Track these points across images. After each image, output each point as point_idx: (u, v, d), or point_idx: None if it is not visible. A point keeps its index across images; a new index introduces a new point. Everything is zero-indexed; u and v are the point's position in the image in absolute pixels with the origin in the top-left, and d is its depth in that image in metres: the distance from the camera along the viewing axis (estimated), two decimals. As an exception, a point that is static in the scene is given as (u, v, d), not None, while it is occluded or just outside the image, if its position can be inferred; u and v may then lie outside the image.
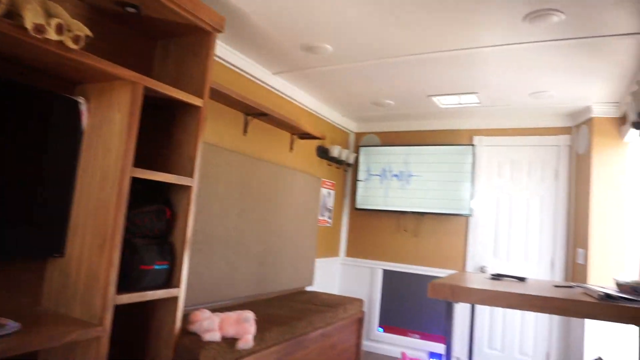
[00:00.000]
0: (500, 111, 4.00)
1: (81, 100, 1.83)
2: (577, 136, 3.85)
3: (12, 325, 1.51)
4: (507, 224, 4.14)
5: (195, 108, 2.14)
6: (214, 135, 2.98)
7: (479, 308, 4.15)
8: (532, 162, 4.09)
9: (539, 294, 2.02)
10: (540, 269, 3.95)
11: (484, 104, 3.81)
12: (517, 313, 4.00)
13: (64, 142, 1.78)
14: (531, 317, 3.94)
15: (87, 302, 1.73)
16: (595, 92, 3.27)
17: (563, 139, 3.98)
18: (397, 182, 4.47)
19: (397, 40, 2.66)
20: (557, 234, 3.90)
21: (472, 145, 4.21)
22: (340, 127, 4.73)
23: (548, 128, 4.06)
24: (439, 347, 4.24)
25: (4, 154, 1.57)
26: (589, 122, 3.64)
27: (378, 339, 4.55)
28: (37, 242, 1.71)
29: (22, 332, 1.48)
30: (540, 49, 2.60)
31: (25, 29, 1.36)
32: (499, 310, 4.07)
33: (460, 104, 3.86)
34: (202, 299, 2.71)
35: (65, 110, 1.77)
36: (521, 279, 2.64)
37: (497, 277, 2.70)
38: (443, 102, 3.86)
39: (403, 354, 3.88)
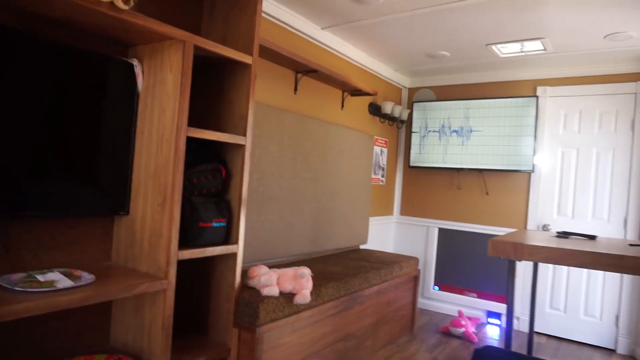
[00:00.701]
0: (568, 58, 3.67)
1: (135, 62, 1.85)
2: (659, 81, 3.47)
3: (87, 277, 1.62)
4: (573, 179, 3.88)
5: (245, 66, 2.12)
6: (265, 94, 2.96)
7: (541, 267, 3.99)
8: (605, 113, 3.76)
9: (613, 252, 1.88)
10: (611, 228, 3.70)
11: (550, 51, 3.51)
12: (583, 273, 3.80)
13: (121, 104, 1.82)
14: (598, 277, 3.74)
15: (152, 258, 1.82)
16: (684, 29, 2.90)
17: (641, 86, 3.60)
18: (456, 138, 4.29)
19: (455, -17, 2.46)
20: (632, 191, 3.61)
21: (536, 96, 3.93)
22: (392, 82, 4.57)
23: (624, 74, 3.69)
24: (497, 306, 4.15)
25: (66, 118, 1.63)
26: (674, 64, 3.26)
27: (434, 297, 4.53)
28: (104, 201, 1.79)
29: (96, 283, 1.59)
30: (620, -19, 2.31)
31: (78, -10, 1.37)
32: (562, 270, 3.90)
33: (523, 52, 3.57)
34: (259, 255, 2.78)
35: (121, 73, 1.81)
36: (591, 237, 2.47)
37: (563, 235, 2.55)
38: (503, 50, 3.59)
39: (460, 312, 3.84)
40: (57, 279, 1.55)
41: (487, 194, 4.25)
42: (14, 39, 1.46)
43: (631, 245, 2.26)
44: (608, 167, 3.73)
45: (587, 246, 2.08)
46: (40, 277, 1.55)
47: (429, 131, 4.44)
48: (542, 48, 3.45)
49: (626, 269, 1.83)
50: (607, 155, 3.74)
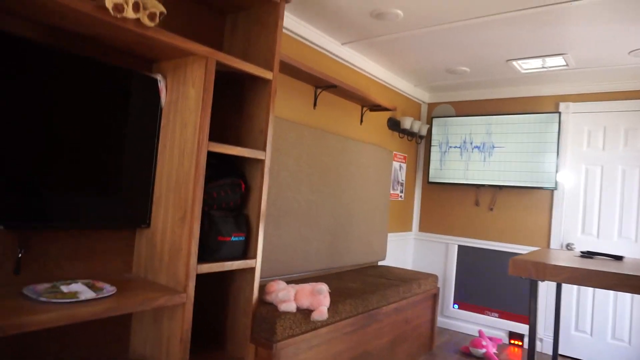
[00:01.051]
0: (591, 74, 3.61)
1: (159, 77, 1.90)
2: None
3: (108, 288, 1.64)
4: (598, 197, 3.78)
5: (266, 81, 2.15)
6: (284, 109, 2.99)
7: (566, 287, 3.88)
8: (631, 129, 3.68)
9: (641, 273, 1.81)
10: (639, 248, 3.59)
11: (572, 67, 3.46)
12: (610, 295, 3.68)
13: (145, 119, 1.86)
14: (626, 299, 3.61)
15: (172, 271, 1.83)
16: None
17: (668, 102, 3.52)
18: (477, 154, 4.24)
19: (472, 1, 2.46)
20: (659, 209, 3.50)
21: (558, 112, 3.87)
22: (412, 97, 4.56)
23: (650, 90, 3.61)
24: (519, 327, 4.04)
25: (91, 131, 1.68)
26: (703, 80, 3.18)
27: (453, 316, 4.43)
28: (126, 214, 1.82)
29: (117, 295, 1.60)
30: (645, -3, 2.28)
31: (106, 9, 1.42)
32: (588, 291, 3.78)
33: (545, 67, 3.53)
34: (276, 270, 2.78)
35: (145, 88, 1.85)
36: (617, 258, 2.40)
37: (587, 254, 2.48)
38: (525, 66, 3.56)
39: (480, 332, 3.75)
40: (80, 290, 1.58)
41: (497, 210, 4.18)
42: (43, 56, 1.51)
43: (660, 266, 2.18)
44: (635, 184, 3.63)
45: (612, 267, 2.01)
46: (64, 288, 1.58)
47: (450, 147, 4.40)
48: (564, 64, 3.40)
49: (656, 291, 1.76)
50: (634, 172, 3.64)
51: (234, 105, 2.28)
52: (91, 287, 1.64)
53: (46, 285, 1.58)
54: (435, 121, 4.51)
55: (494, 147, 4.14)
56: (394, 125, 4.26)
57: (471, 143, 4.28)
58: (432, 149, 4.50)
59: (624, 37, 2.83)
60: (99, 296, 1.54)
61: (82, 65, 1.62)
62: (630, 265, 2.16)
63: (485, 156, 4.18)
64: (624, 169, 3.68)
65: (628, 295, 3.61)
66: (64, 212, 1.61)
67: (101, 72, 1.69)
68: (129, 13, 1.42)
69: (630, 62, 3.27)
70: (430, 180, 4.49)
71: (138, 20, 1.50)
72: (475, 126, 4.28)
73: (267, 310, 2.14)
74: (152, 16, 1.51)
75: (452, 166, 4.37)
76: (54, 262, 1.71)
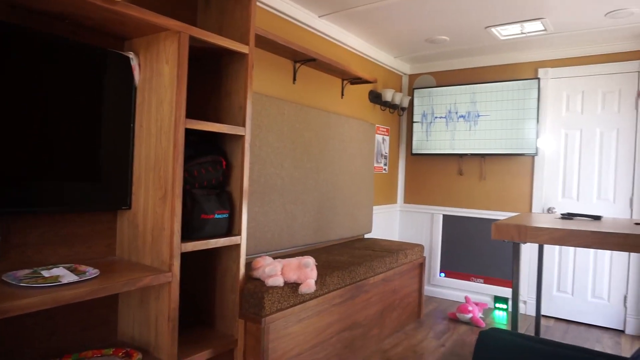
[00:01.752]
0: (569, 38, 3.62)
1: (131, 55, 1.84)
2: (662, 59, 3.42)
3: (91, 271, 1.63)
4: (577, 161, 3.85)
5: (242, 55, 2.10)
6: (264, 85, 2.95)
7: (547, 250, 3.98)
8: (608, 92, 3.72)
9: (618, 231, 1.86)
10: (617, 209, 3.68)
11: (550, 31, 3.46)
12: (590, 254, 3.79)
13: (119, 98, 1.82)
14: (606, 258, 3.72)
15: (156, 251, 1.82)
16: (687, 4, 2.84)
17: (645, 64, 3.55)
18: (463, 124, 4.26)
19: (451, -35, 2.43)
20: (636, 170, 3.58)
21: (537, 78, 3.88)
22: (392, 69, 4.53)
23: (626, 52, 3.64)
24: (504, 291, 4.15)
25: (63, 113, 1.63)
26: (677, 41, 3.21)
27: (440, 284, 4.53)
28: (105, 196, 1.79)
29: (101, 277, 1.59)
30: (619, -44, 2.27)
31: (68, -17, 1.36)
32: (569, 252, 3.88)
33: (523, 33, 3.53)
34: (263, 247, 2.78)
35: (117, 66, 1.80)
36: (596, 218, 2.46)
37: (568, 216, 2.53)
38: (503, 33, 3.55)
39: (467, 298, 3.84)
40: (62, 274, 1.56)
41: (483, 178, 4.23)
42: (7, 34, 1.45)
43: (637, 224, 2.24)
44: (612, 147, 3.70)
45: (592, 226, 2.06)
46: (46, 273, 1.56)
47: (435, 117, 4.40)
48: (543, 28, 3.40)
49: (632, 247, 1.81)
50: (611, 135, 3.70)
51: (212, 82, 2.24)
52: (73, 270, 1.63)
53: (27, 271, 1.56)
54: (416, 92, 4.50)
55: (478, 115, 4.16)
56: (375, 98, 4.24)
57: (456, 113, 4.28)
58: (415, 120, 4.50)
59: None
60: (82, 279, 1.52)
61: (51, 44, 1.56)
62: (608, 224, 2.21)
63: (470, 125, 4.19)
64: (602, 132, 3.74)
65: (607, 254, 3.71)
66: (41, 197, 1.58)
67: (71, 52, 1.63)
68: (93, -14, 1.37)
69: (607, 25, 3.28)
70: (414, 152, 4.51)
71: (103, -6, 1.45)
72: (456, 96, 4.28)
73: (254, 285, 2.15)
74: (118, -11, 1.45)
75: (437, 137, 4.39)
76: (35, 248, 1.68)
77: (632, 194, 3.60)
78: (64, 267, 1.66)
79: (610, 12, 3.02)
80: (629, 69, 3.61)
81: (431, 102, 4.41)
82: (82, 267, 1.67)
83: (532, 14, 3.11)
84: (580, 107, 3.84)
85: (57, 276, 1.53)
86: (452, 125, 4.28)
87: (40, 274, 1.54)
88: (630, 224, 2.24)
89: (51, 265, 1.69)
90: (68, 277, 1.53)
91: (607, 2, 2.87)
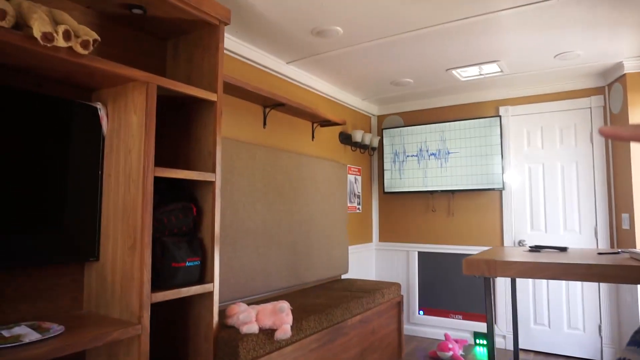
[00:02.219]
0: (524, 78, 3.84)
1: (99, 105, 1.85)
2: (611, 95, 3.66)
3: (56, 328, 1.56)
4: (542, 194, 3.99)
5: (210, 103, 2.14)
6: (234, 130, 2.99)
7: (521, 283, 4.03)
8: (564, 128, 3.92)
9: (582, 262, 1.92)
10: (583, 239, 3.80)
11: (506, 72, 3.67)
12: (562, 287, 3.86)
13: (87, 148, 1.81)
14: (577, 289, 3.80)
15: (125, 302, 1.77)
16: (627, 46, 3.08)
17: (595, 100, 3.79)
18: (434, 161, 4.38)
19: (408, 14, 2.58)
20: (598, 201, 3.73)
21: (499, 116, 4.07)
22: (361, 111, 4.67)
23: (578, 90, 3.88)
24: (483, 326, 4.15)
25: (30, 165, 1.61)
26: (622, 79, 3.45)
27: (419, 322, 4.49)
28: (71, 248, 1.75)
29: (66, 334, 1.53)
30: (561, 4, 2.47)
31: (35, 39, 1.38)
32: (542, 284, 3.94)
33: (482, 74, 3.73)
34: (237, 293, 2.73)
35: (85, 117, 1.80)
36: (562, 249, 2.53)
37: (536, 249, 2.60)
38: (463, 74, 3.74)
39: (446, 336, 3.82)
40: (24, 332, 1.49)
41: (452, 215, 4.32)
42: (-29, 90, 1.45)
43: (600, 253, 2.32)
44: (573, 179, 3.86)
45: (558, 258, 2.12)
46: (6, 333, 1.48)
47: (407, 156, 4.52)
48: (499, 70, 3.61)
49: (596, 277, 1.87)
50: (571, 168, 3.87)
51: (182, 129, 2.26)
52: (36, 328, 1.56)
53: (-15, 331, 1.49)
54: (385, 132, 4.63)
55: (449, 153, 4.29)
56: (345, 139, 4.34)
57: (427, 150, 4.41)
58: (385, 159, 4.61)
59: (548, 44, 3.04)
60: (45, 337, 1.46)
61: (13, 97, 1.56)
62: (574, 255, 2.28)
63: (442, 162, 4.32)
64: (563, 165, 3.91)
65: (578, 284, 3.79)
66: (1, 251, 1.52)
67: (36, 104, 1.63)
68: (60, 42, 1.39)
69: (557, 65, 3.51)
70: (386, 190, 4.58)
71: (71, 48, 1.47)
72: (425, 134, 4.43)
73: (228, 333, 2.09)
74: (85, 44, 1.48)
75: (409, 175, 4.48)
76: (-6, 305, 1.61)
77: (596, 224, 3.73)
78: (26, 325, 1.59)
79: (559, 54, 3.24)
80: (582, 106, 3.84)
81: (402, 141, 4.54)
82: (46, 324, 1.60)
83: (488, 57, 3.31)
84: (540, 142, 4.02)
85: (19, 335, 1.46)
86: (424, 162, 4.40)
87: (0, 334, 1.47)
88: (593, 254, 2.32)
89: (12, 324, 1.62)
90: (30, 335, 1.46)
91: (554, 46, 3.09)
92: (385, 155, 4.62)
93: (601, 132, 0.79)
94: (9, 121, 1.55)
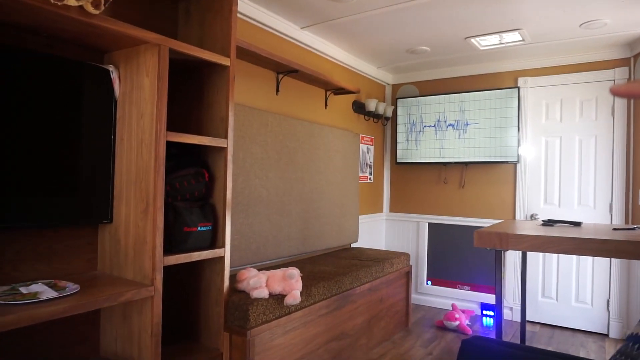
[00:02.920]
0: (546, 48, 3.70)
1: (111, 68, 1.83)
2: (636, 67, 3.52)
3: (71, 287, 1.60)
4: (558, 168, 3.92)
5: (223, 67, 2.11)
6: (247, 96, 2.96)
7: (531, 257, 4.03)
8: (585, 100, 3.81)
9: (596, 237, 1.90)
10: (597, 214, 3.75)
11: (527, 42, 3.54)
12: (573, 260, 3.84)
13: (99, 112, 1.80)
14: (588, 263, 3.78)
15: (138, 265, 1.80)
16: (657, 14, 2.94)
17: (620, 72, 3.65)
18: (451, 132, 4.31)
19: (430, -23, 2.48)
20: (615, 176, 3.65)
21: (517, 87, 3.96)
22: (375, 79, 4.58)
23: (602, 61, 3.74)
24: (490, 298, 4.17)
25: (42, 128, 1.61)
26: (650, 50, 3.31)
27: (427, 292, 4.54)
28: (86, 210, 1.77)
29: (81, 293, 1.57)
30: (591, -31, 2.34)
31: (46, -3, 1.35)
32: (553, 258, 3.93)
33: (502, 43, 3.60)
34: (248, 259, 2.77)
35: (97, 79, 1.79)
36: (576, 224, 2.50)
37: (549, 223, 2.57)
38: (483, 43, 3.62)
39: (453, 306, 3.86)
40: (41, 290, 1.53)
41: (463, 187, 4.28)
42: (-17, 49, 1.44)
43: (615, 229, 2.28)
44: (591, 154, 3.77)
45: (571, 232, 2.10)
46: (24, 290, 1.53)
47: (424, 126, 4.45)
48: (521, 39, 3.48)
49: (609, 252, 1.85)
50: (590, 142, 3.78)
51: (194, 94, 2.24)
52: (53, 286, 1.60)
53: (4, 288, 1.53)
54: (400, 102, 4.55)
55: (467, 124, 4.21)
56: (359, 108, 4.27)
57: (445, 121, 4.33)
58: (399, 129, 4.55)
59: (574, 11, 2.91)
60: (62, 295, 1.49)
61: (26, 59, 1.55)
62: (588, 230, 2.25)
63: (460, 133, 4.24)
64: (581, 139, 3.82)
65: (589, 259, 3.77)
66: (18, 213, 1.55)
67: (48, 66, 1.62)
68: (70, 0, 1.36)
69: (582, 35, 3.37)
70: (398, 160, 4.54)
71: (81, 7, 1.44)
72: (433, 105, 4.34)
73: (239, 298, 2.13)
74: (96, 3, 1.45)
75: (424, 145, 4.43)
76: (12, 264, 1.65)
77: (611, 200, 3.67)
78: (43, 283, 1.63)
79: (585, 22, 3.11)
80: (605, 77, 3.71)
81: (419, 111, 4.46)
82: (62, 283, 1.64)
83: (509, 25, 3.18)
84: (559, 115, 3.92)
85: (36, 292, 1.50)
86: (441, 133, 4.33)
87: (19, 290, 1.51)
88: (608, 229, 2.29)
89: (30, 281, 1.66)
90: (47, 293, 1.50)
91: (581, 13, 2.96)
92: (398, 125, 4.55)
93: (613, 92, 0.73)
94: (22, 83, 1.54)
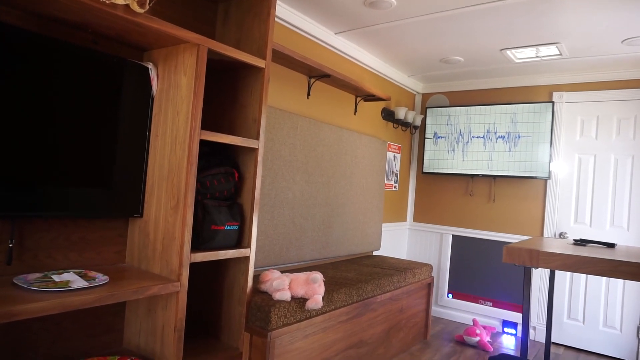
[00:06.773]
0: (584, 63, 3.61)
1: (150, 65, 1.87)
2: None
3: (101, 278, 1.63)
4: (590, 187, 3.80)
5: (258, 69, 2.13)
6: (278, 99, 2.98)
7: (558, 276, 3.91)
8: (623, 119, 3.69)
9: (632, 260, 1.83)
10: (630, 236, 3.62)
11: (565, 56, 3.46)
12: (602, 282, 3.72)
13: (136, 107, 1.84)
14: (618, 287, 3.65)
15: (165, 260, 1.83)
16: None
17: (661, 91, 3.53)
18: (477, 144, 4.25)
19: (469, -13, 2.45)
20: (650, 197, 3.52)
21: (552, 102, 3.87)
22: (405, 87, 4.55)
23: (643, 79, 3.62)
24: (512, 315, 4.07)
25: (81, 120, 1.66)
26: (695, 69, 3.19)
27: (447, 305, 4.47)
28: (118, 203, 1.81)
29: (110, 284, 1.60)
30: (638, -16, 2.28)
31: (95, -6, 1.39)
32: (581, 279, 3.81)
33: (538, 57, 3.53)
34: (271, 260, 2.78)
35: (136, 76, 1.83)
36: (610, 245, 2.42)
37: (581, 242, 2.50)
38: (518, 55, 3.55)
39: (475, 321, 3.78)
40: (72, 279, 1.57)
41: (494, 201, 4.19)
42: (31, 44, 1.49)
43: (652, 252, 2.20)
44: (627, 173, 3.65)
45: (605, 254, 2.03)
46: (56, 277, 1.57)
47: (454, 137, 4.40)
48: (558, 53, 3.40)
49: (647, 276, 1.78)
50: (626, 162, 3.66)
51: (228, 95, 2.26)
52: (83, 276, 1.63)
53: (37, 275, 1.57)
54: (429, 111, 4.51)
55: (498, 137, 4.15)
56: (388, 115, 4.25)
57: (468, 132, 4.28)
58: (427, 139, 4.50)
59: (617, 26, 2.83)
60: (91, 285, 1.53)
61: (71, 53, 1.60)
62: (622, 252, 2.18)
63: (488, 146, 4.18)
64: (617, 158, 3.70)
65: (620, 282, 3.64)
66: (54, 202, 1.60)
67: (91, 61, 1.66)
68: (118, -1, 1.40)
69: (624, 51, 3.27)
70: (425, 170, 4.50)
71: (127, 6, 1.48)
72: (463, 116, 4.28)
73: (261, 299, 2.14)
74: (141, 2, 1.49)
75: (451, 156, 4.37)
76: (46, 252, 1.70)
77: (647, 222, 3.54)
78: (74, 272, 1.67)
79: (627, 39, 3.02)
80: (645, 96, 3.59)
81: (447, 121, 4.41)
82: (92, 273, 1.68)
83: (547, 38, 3.12)
84: (594, 132, 3.81)
85: (68, 281, 1.53)
86: (470, 145, 4.26)
87: (51, 278, 1.56)
88: (644, 252, 2.20)
89: (62, 270, 1.70)
90: (78, 282, 1.54)
91: (624, 29, 2.87)
92: (427, 135, 4.51)
93: None
94: (69, 77, 1.59)
